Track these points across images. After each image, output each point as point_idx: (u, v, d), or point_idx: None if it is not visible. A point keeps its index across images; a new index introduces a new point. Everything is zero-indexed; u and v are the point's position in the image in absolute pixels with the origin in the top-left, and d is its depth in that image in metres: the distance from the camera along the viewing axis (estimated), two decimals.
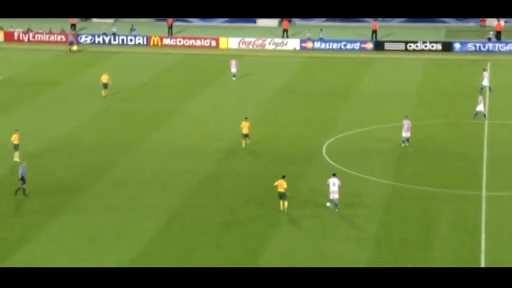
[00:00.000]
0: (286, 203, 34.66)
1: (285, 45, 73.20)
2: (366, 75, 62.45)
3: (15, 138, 40.91)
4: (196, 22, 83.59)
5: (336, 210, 34.76)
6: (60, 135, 45.28)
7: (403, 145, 43.49)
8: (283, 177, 34.97)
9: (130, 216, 34.36)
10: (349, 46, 72.21)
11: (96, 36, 74.49)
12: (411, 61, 67.74)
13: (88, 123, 48.45)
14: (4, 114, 50.52)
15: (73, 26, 78.50)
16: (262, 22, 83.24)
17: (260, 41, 73.40)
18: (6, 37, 75.89)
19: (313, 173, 39.79)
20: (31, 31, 76.00)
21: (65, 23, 78.44)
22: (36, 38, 75.54)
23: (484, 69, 56.18)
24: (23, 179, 36.01)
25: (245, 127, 42.93)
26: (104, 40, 74.64)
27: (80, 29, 79.40)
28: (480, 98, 48.86)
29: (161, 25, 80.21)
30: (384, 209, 35.35)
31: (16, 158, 40.35)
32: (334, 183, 34.77)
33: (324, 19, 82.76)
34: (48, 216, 34.30)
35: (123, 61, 67.50)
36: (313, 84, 59.39)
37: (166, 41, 74.56)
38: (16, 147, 40.88)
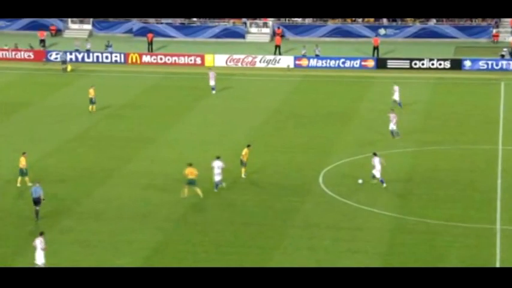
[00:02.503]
0: (198, 190, 39.29)
1: (278, 62, 73.61)
2: (367, 95, 62.78)
3: (21, 162, 41.39)
4: (179, 37, 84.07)
5: (384, 185, 41.31)
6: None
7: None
8: (190, 164, 39.75)
9: (104, 253, 34.24)
10: (348, 64, 72.68)
11: (68, 53, 74.70)
12: (417, 80, 68.19)
13: (58, 150, 48.42)
14: None
15: (42, 41, 78.80)
16: (252, 37, 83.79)
17: (250, 58, 73.82)
18: None
19: (309, 205, 39.84)
20: None
21: (33, 38, 78.74)
22: (0, 56, 75.66)
23: (395, 83, 58.69)
24: (36, 201, 36.80)
25: (246, 155, 42.98)
26: (76, 57, 74.89)
27: (50, 45, 79.64)
28: (392, 115, 49.89)
29: (140, 40, 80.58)
30: (388, 244, 35.38)
31: (29, 183, 40.77)
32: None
33: (321, 34, 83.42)
34: (12, 253, 34.15)
35: (98, 80, 67.45)
36: (308, 106, 59.65)
37: (146, 58, 74.88)
38: (22, 171, 41.31)
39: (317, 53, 74.26)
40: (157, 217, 38.17)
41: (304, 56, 73.85)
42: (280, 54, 75.61)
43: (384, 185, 41.49)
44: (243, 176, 43.02)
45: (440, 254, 34.37)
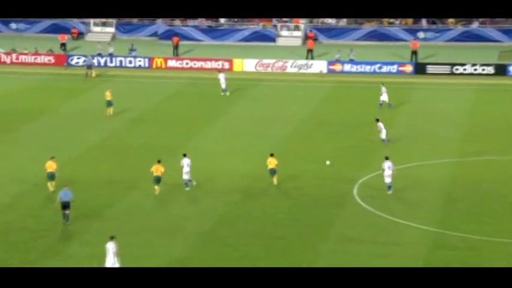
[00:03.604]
0: (158, 187, 41.51)
1: (310, 67, 73.50)
2: (405, 103, 62.44)
3: (49, 166, 42.14)
4: (206, 41, 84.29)
5: (389, 191, 41.64)
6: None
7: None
8: (159, 161, 41.75)
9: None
10: (384, 69, 72.38)
11: (90, 58, 75.06)
12: (458, 87, 67.73)
13: (78, 160, 48.67)
14: None
15: (63, 45, 79.37)
16: (283, 41, 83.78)
17: (280, 63, 73.79)
18: None
19: (344, 218, 39.68)
20: (15, 52, 76.91)
21: (54, 41, 79.36)
22: (20, 60, 76.40)
23: (382, 84, 60.14)
24: (66, 205, 37.73)
25: (272, 163, 43.35)
26: (99, 62, 75.34)
27: (71, 49, 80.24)
28: (379, 124, 50.83)
29: (165, 44, 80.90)
30: (426, 260, 35.07)
31: (51, 188, 41.93)
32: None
33: (356, 38, 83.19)
34: (32, 266, 34.33)
35: (120, 86, 67.94)
36: (342, 113, 59.47)
37: (171, 63, 75.16)
38: (50, 175, 42.10)
39: (352, 57, 74.05)
40: (183, 230, 38.21)
41: (338, 60, 73.68)
42: (312, 58, 75.52)
43: (390, 191, 41.97)
44: (275, 183, 43.31)
45: None
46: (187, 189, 42.86)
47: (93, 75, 70.71)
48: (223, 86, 63.37)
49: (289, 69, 73.42)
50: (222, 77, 63.84)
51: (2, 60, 76.60)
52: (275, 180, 43.48)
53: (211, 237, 37.56)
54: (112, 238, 32.82)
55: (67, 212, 38.30)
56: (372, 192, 42.88)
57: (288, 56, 76.24)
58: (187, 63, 74.86)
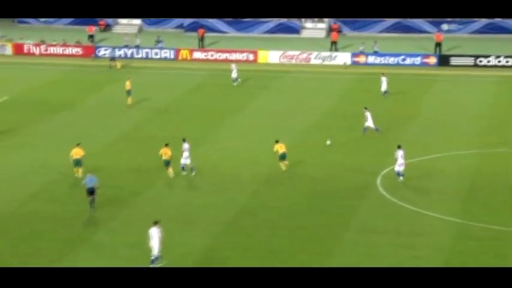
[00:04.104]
0: (170, 169, 42.18)
1: (334, 59, 72.87)
2: (428, 94, 61.77)
3: (76, 153, 42.57)
4: (231, 33, 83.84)
5: (401, 178, 41.66)
6: (72, 164, 45.27)
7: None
8: (166, 145, 42.39)
9: (150, 257, 33.98)
10: (408, 61, 71.61)
11: (117, 50, 74.97)
12: (481, 79, 66.86)
13: (104, 150, 48.48)
14: (11, 139, 50.84)
15: (91, 37, 79.30)
16: (307, 33, 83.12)
17: (304, 55, 73.20)
18: (16, 50, 76.89)
19: (367, 209, 39.12)
20: (44, 43, 76.93)
21: (81, 33, 79.30)
22: (48, 51, 76.42)
23: (383, 74, 60.71)
24: (91, 191, 37.98)
25: (282, 148, 43.70)
26: (125, 53, 75.17)
27: (99, 41, 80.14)
28: (367, 113, 50.37)
29: (191, 36, 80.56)
30: (450, 251, 34.55)
31: (77, 174, 42.35)
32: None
33: (380, 30, 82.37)
34: (59, 254, 34.18)
35: (147, 78, 67.75)
36: (365, 105, 58.79)
37: (196, 55, 74.80)
38: (77, 162, 42.28)
39: (375, 49, 73.32)
40: (205, 220, 37.82)
41: (362, 52, 72.96)
42: (336, 50, 74.85)
43: (401, 178, 41.85)
44: (286, 165, 43.70)
45: (506, 261, 33.33)
46: (184, 173, 43.04)
47: (118, 66, 70.52)
48: (234, 75, 63.63)
49: (313, 61, 72.79)
50: (234, 67, 64.12)
51: (31, 51, 76.66)
52: (284, 166, 43.63)
53: (233, 227, 37.17)
54: (156, 223, 32.75)
55: (92, 197, 38.60)
56: (395, 183, 42.28)
57: (312, 47, 75.60)
58: (212, 55, 74.44)
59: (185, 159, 43.08)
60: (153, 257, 32.64)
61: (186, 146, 43.33)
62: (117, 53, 74.08)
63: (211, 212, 38.82)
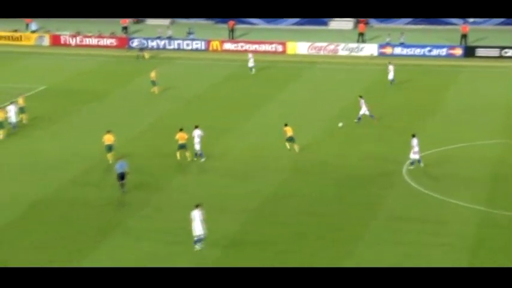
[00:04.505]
0: (188, 153, 43.04)
1: (361, 50, 72.67)
2: (454, 85, 61.42)
3: (107, 139, 43.30)
4: (260, 24, 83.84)
5: (421, 164, 41.91)
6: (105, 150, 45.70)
7: (356, 121, 49.65)
8: (181, 129, 43.35)
9: (182, 243, 34.28)
10: (434, 52, 71.23)
11: (149, 41, 75.39)
12: (507, 70, 66.31)
13: (136, 138, 48.83)
14: (47, 128, 51.39)
15: (124, 28, 79.74)
16: (335, 25, 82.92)
17: (332, 46, 73.08)
18: (53, 41, 77.61)
19: (393, 197, 39.13)
20: (79, 34, 77.53)
21: (116, 25, 79.75)
22: (84, 42, 77.00)
23: (390, 63, 60.93)
24: (122, 176, 38.65)
25: (289, 131, 44.77)
26: (158, 44, 75.55)
27: (132, 32, 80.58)
28: (361, 100, 50.41)
29: (221, 28, 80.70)
30: (475, 238, 34.45)
31: (110, 160, 42.97)
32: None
33: (406, 22, 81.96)
34: (93, 240, 34.63)
35: (178, 68, 68.04)
36: (391, 95, 58.69)
37: (227, 46, 74.95)
38: (108, 148, 43.26)
39: (402, 40, 73.00)
40: (233, 207, 38.00)
41: (388, 43, 72.68)
42: (363, 42, 74.62)
43: (421, 164, 42.09)
44: (297, 147, 44.70)
45: None
46: (195, 159, 43.41)
47: (146, 57, 70.93)
48: (251, 64, 64.61)
49: (340, 52, 72.65)
50: (250, 56, 65.18)
51: (68, 42, 77.29)
52: (296, 148, 44.68)
53: (260, 214, 37.28)
54: (197, 206, 33.14)
55: (123, 182, 39.20)
56: (421, 172, 42.19)
57: (340, 39, 75.42)
58: (242, 46, 74.53)
59: (197, 145, 43.64)
60: (195, 238, 33.01)
61: (197, 132, 43.80)
62: (150, 44, 74.46)
63: (240, 199, 38.97)
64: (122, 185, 39.26)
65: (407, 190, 39.94)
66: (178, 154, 43.53)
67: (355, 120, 49.99)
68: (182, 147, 43.45)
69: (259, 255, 32.92)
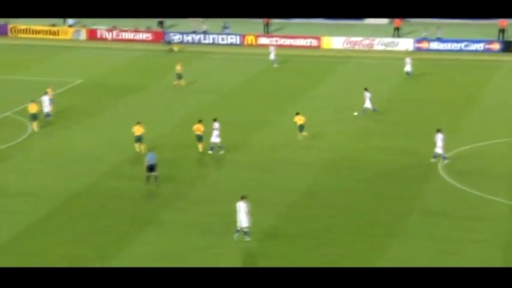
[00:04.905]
0: (201, 145, 43.52)
1: (396, 45, 72.04)
2: (492, 80, 60.66)
3: (137, 130, 44.06)
4: (295, 19, 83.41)
5: (446, 161, 41.22)
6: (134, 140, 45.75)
7: (355, 114, 49.91)
8: (200, 121, 43.81)
9: (218, 235, 34.20)
10: (471, 47, 70.38)
11: (185, 35, 75.46)
12: None
13: (170, 132, 48.86)
14: (84, 121, 51.62)
15: (160, 23, 79.90)
16: (370, 19, 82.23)
17: (368, 41, 72.52)
18: (89, 35, 78.04)
19: (429, 192, 38.71)
20: (115, 29, 77.87)
21: (151, 19, 79.85)
22: (120, 37, 77.29)
23: (408, 56, 61.75)
24: (151, 168, 39.04)
25: (300, 120, 45.84)
26: (193, 39, 75.60)
27: (168, 27, 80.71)
28: (366, 93, 50.82)
29: (256, 22, 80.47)
30: (510, 235, 33.98)
31: (138, 149, 43.97)
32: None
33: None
34: (129, 232, 34.67)
35: (213, 63, 67.97)
36: (428, 90, 58.06)
37: (261, 40, 74.75)
38: (138, 138, 44.03)
39: (438, 35, 72.22)
40: (267, 201, 37.86)
41: (424, 38, 71.95)
42: (399, 36, 73.95)
43: (446, 161, 41.46)
44: (304, 136, 45.58)
45: None
46: (210, 152, 43.64)
47: (175, 50, 71.11)
48: (272, 57, 64.77)
49: (376, 47, 72.07)
50: (272, 49, 65.37)
51: (104, 36, 77.63)
52: (304, 135, 45.50)
53: (295, 208, 37.15)
54: (243, 198, 33.31)
55: (154, 173, 39.43)
56: (457, 168, 41.71)
57: (375, 34, 74.80)
58: (277, 41, 74.26)
59: (215, 138, 43.63)
60: (238, 229, 33.16)
61: (216, 125, 43.81)
62: (185, 38, 74.53)
63: (273, 193, 38.83)
64: (150, 177, 39.49)
65: (443, 185, 39.57)
66: (200, 146, 43.87)
67: (355, 113, 50.17)
68: (199, 138, 43.75)
69: (294, 248, 32.85)
